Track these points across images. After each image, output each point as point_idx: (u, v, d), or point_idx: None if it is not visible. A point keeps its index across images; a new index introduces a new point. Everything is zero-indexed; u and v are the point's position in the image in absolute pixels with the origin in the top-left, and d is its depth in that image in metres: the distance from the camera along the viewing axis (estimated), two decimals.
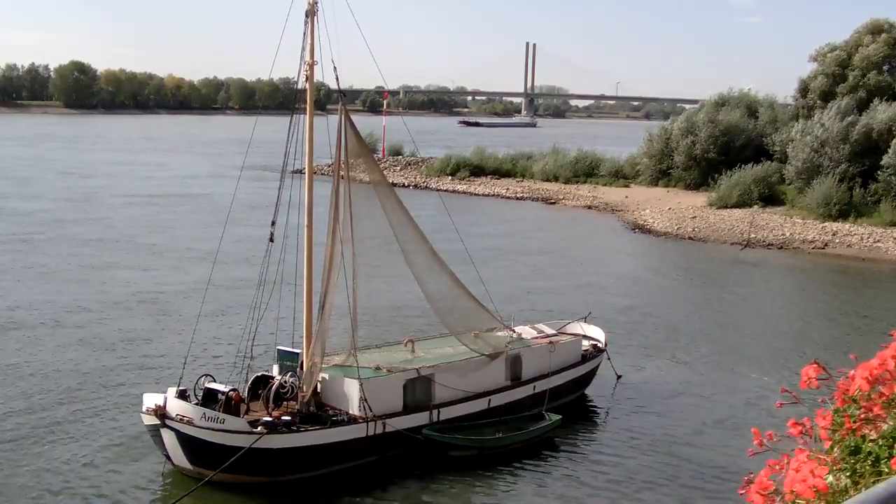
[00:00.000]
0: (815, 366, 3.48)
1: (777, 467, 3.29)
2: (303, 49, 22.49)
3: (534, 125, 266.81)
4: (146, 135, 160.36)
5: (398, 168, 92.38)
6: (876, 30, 71.04)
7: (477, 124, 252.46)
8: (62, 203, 66.99)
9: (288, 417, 21.39)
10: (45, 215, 60.48)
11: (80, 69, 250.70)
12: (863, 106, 65.52)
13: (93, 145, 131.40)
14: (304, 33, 22.37)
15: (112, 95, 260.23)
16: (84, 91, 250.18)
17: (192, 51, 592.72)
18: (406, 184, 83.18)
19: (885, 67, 69.84)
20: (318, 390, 22.54)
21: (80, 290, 39.02)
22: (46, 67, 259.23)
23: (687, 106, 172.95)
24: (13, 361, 28.91)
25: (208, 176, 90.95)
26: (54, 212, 62.26)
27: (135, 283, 41.02)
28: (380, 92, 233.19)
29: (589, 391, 28.58)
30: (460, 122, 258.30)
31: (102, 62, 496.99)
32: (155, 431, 20.86)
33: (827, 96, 69.30)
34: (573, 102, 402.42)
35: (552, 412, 25.25)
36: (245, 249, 43.78)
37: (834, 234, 57.79)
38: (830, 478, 3.07)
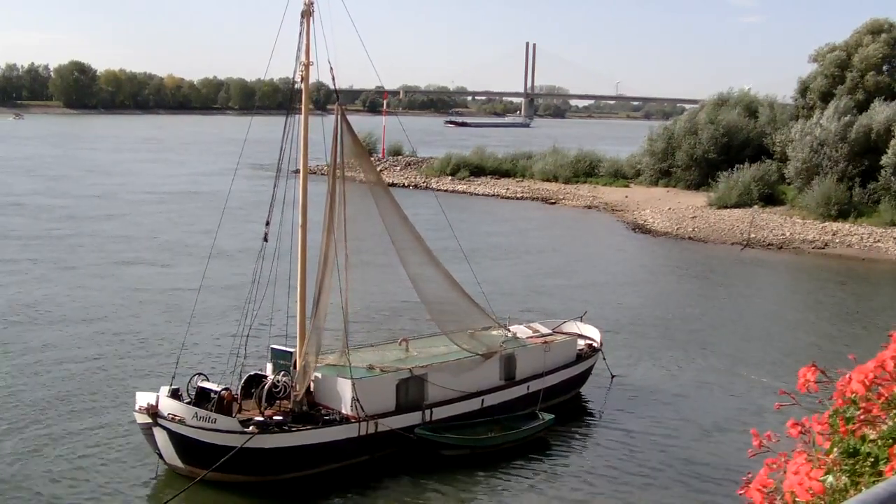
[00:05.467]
0: (812, 368, 3.38)
1: (775, 466, 3.21)
2: (298, 49, 22.42)
3: (527, 125, 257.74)
4: (159, 135, 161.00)
5: (398, 168, 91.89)
6: (876, 30, 70.88)
7: (465, 124, 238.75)
8: (86, 200, 67.67)
9: (280, 417, 21.25)
10: (65, 211, 61.18)
11: (80, 69, 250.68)
12: (863, 107, 65.36)
13: (114, 145, 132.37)
14: (300, 34, 22.32)
15: (112, 95, 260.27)
16: (84, 91, 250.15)
17: (192, 51, 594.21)
18: (406, 184, 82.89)
19: (884, 67, 69.68)
20: (311, 390, 22.40)
21: (80, 287, 38.90)
22: (46, 67, 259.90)
23: (687, 106, 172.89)
24: (7, 358, 28.69)
25: (223, 174, 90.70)
26: (74, 208, 62.86)
27: (137, 280, 40.98)
28: (380, 92, 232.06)
29: (584, 391, 28.40)
30: (447, 123, 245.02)
31: (102, 62, 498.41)
32: (147, 430, 20.76)
33: (826, 97, 69.17)
34: (573, 102, 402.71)
35: (546, 412, 25.08)
36: (245, 248, 43.57)
37: (834, 234, 57.64)
38: (830, 478, 2.96)
